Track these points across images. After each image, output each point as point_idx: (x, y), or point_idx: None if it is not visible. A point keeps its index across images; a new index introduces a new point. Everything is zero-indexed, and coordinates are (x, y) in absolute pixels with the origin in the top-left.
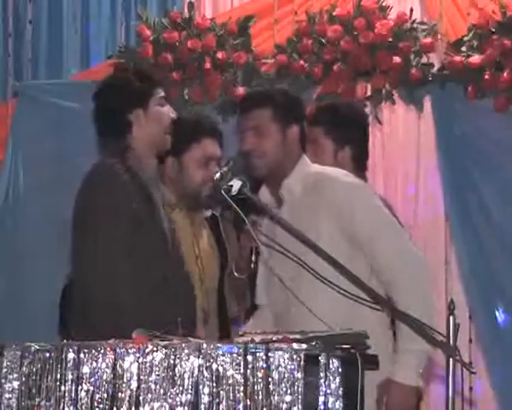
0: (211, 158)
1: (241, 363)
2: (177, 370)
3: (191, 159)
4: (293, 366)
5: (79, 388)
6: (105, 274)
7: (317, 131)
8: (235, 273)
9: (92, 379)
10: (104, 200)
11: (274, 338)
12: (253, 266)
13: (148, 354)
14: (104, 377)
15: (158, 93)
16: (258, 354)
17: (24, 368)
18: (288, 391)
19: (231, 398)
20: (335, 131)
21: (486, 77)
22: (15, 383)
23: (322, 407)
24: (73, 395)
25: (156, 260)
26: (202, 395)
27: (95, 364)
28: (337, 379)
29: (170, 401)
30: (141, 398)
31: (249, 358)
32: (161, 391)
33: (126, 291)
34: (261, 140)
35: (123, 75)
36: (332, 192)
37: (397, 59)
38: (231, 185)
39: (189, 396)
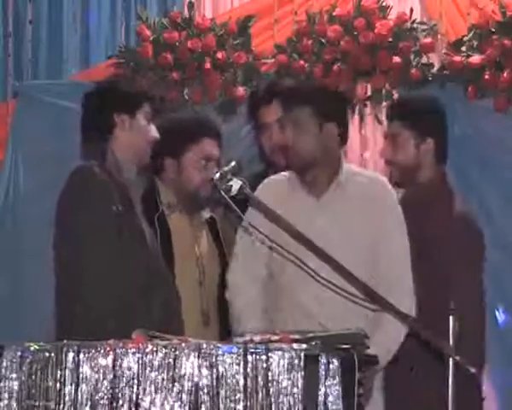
0: (210, 159)
1: (241, 363)
2: (177, 370)
3: (190, 160)
4: (293, 366)
5: (79, 388)
6: (83, 277)
7: (395, 126)
8: None
9: (92, 379)
10: (84, 203)
11: (274, 338)
12: None
13: (148, 354)
14: (104, 377)
15: (146, 108)
16: (258, 354)
17: (24, 368)
18: (288, 391)
19: (231, 398)
20: (416, 124)
21: (486, 77)
22: (15, 383)
23: (321, 406)
24: (73, 395)
25: (135, 267)
26: (202, 395)
27: (95, 364)
28: (337, 379)
29: (170, 401)
30: (141, 398)
31: (249, 358)
32: (161, 391)
33: (104, 294)
34: None
35: (116, 80)
36: (383, 205)
37: (397, 59)
38: (231, 185)
39: (189, 396)
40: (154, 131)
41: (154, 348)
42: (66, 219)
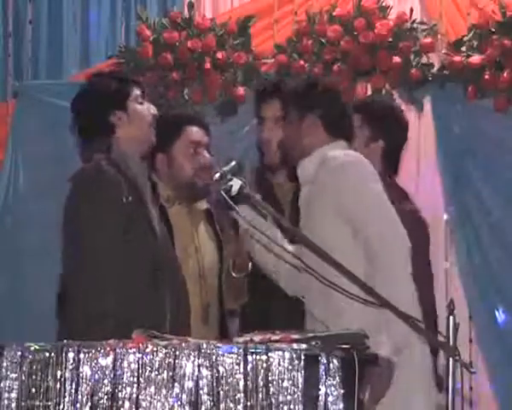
0: (197, 145)
1: (241, 363)
2: (177, 370)
3: (178, 150)
4: (293, 366)
5: (79, 388)
6: (92, 274)
7: (354, 119)
8: (233, 273)
9: (92, 379)
10: (94, 197)
11: (274, 338)
12: (250, 266)
13: (148, 354)
14: (104, 377)
15: (135, 92)
16: (258, 354)
17: (24, 368)
18: (288, 391)
19: (231, 398)
20: (372, 122)
21: (486, 77)
22: (15, 383)
23: (321, 406)
24: (73, 395)
25: (146, 258)
26: (202, 395)
27: (95, 364)
28: (337, 379)
29: (170, 401)
30: (141, 398)
31: (249, 358)
32: (161, 391)
33: (112, 292)
34: None
35: (98, 80)
36: (326, 172)
37: (397, 59)
38: (231, 185)
39: (189, 396)
40: (151, 110)
41: (154, 348)
42: (74, 219)
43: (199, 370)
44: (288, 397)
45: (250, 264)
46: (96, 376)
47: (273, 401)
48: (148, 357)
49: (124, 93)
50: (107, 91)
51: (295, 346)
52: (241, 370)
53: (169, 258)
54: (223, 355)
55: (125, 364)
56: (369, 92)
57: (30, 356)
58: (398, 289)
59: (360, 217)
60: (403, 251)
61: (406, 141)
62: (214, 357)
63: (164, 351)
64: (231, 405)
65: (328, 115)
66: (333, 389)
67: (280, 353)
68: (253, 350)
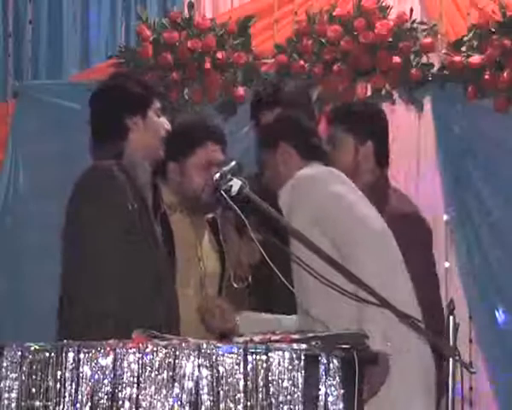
0: (213, 163)
1: (241, 363)
2: (177, 370)
3: (194, 164)
4: (293, 366)
5: (79, 388)
6: (92, 276)
7: (336, 129)
8: (234, 283)
9: (92, 379)
10: (99, 199)
11: (274, 338)
12: (250, 277)
13: (148, 354)
14: (104, 377)
15: (156, 104)
16: (258, 354)
17: (24, 368)
18: (288, 391)
19: (231, 398)
20: (356, 127)
21: (486, 77)
22: (15, 383)
23: (322, 406)
24: (73, 395)
25: (145, 266)
26: (202, 395)
27: (94, 364)
28: (337, 379)
29: (170, 400)
30: (141, 398)
31: (249, 358)
32: (161, 391)
33: (113, 294)
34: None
35: (123, 80)
36: (294, 193)
37: (397, 59)
38: (231, 185)
39: (189, 396)
40: (165, 125)
41: (154, 348)
42: (77, 219)
43: (199, 370)
44: (288, 397)
45: (250, 276)
46: (96, 376)
47: (273, 401)
48: (148, 357)
49: (146, 101)
50: (130, 94)
51: (295, 346)
52: (241, 370)
53: (166, 272)
54: (223, 355)
55: (125, 364)
56: (369, 92)
57: (30, 356)
58: (393, 290)
59: (331, 225)
60: (383, 251)
61: (388, 130)
62: (214, 357)
63: (164, 351)
64: (231, 405)
65: (299, 139)
66: (333, 389)
67: (280, 353)
68: (253, 350)
